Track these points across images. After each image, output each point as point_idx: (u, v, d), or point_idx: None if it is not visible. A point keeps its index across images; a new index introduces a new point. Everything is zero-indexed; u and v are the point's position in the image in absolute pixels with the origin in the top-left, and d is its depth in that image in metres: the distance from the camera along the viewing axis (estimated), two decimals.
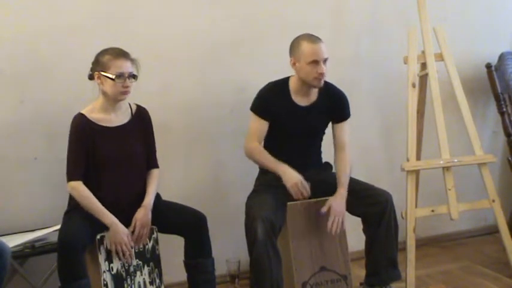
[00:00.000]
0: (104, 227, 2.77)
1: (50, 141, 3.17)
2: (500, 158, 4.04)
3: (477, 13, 3.98)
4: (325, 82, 3.13)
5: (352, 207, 3.08)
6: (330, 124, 3.24)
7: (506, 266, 3.38)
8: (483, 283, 3.36)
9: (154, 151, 3.02)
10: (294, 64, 3.06)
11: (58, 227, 2.84)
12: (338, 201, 3.01)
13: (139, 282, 2.86)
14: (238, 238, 3.22)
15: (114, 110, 2.89)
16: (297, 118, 3.11)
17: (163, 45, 3.38)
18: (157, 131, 3.03)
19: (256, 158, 3.11)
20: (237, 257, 3.42)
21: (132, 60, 2.84)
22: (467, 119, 3.39)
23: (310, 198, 3.04)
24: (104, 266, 2.76)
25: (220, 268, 3.30)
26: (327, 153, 3.28)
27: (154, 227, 2.91)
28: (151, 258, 2.90)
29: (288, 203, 3.04)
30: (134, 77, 2.83)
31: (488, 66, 3.86)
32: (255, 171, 3.23)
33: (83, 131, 2.82)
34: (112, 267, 2.78)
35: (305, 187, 2.97)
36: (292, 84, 3.13)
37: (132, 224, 2.82)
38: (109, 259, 2.78)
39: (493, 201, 3.35)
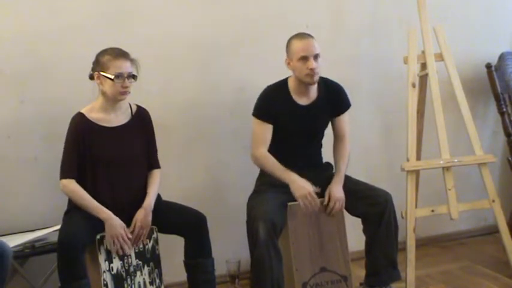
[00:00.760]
0: (104, 227, 2.77)
1: (50, 141, 3.17)
2: (500, 158, 4.04)
3: (477, 13, 3.98)
4: (322, 78, 3.15)
5: (352, 207, 3.09)
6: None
7: (506, 266, 3.38)
8: (483, 283, 3.36)
9: (155, 151, 3.02)
10: (288, 63, 3.08)
11: (58, 227, 2.84)
12: (336, 188, 3.05)
13: (139, 282, 2.86)
14: (238, 238, 3.22)
15: (113, 110, 2.89)
16: (298, 117, 3.12)
17: (163, 45, 3.38)
18: (157, 131, 3.03)
19: (263, 166, 3.11)
20: (237, 257, 3.42)
21: (132, 61, 2.84)
22: (467, 119, 3.39)
23: None
24: (104, 266, 2.76)
25: (220, 268, 3.30)
26: (327, 154, 3.28)
27: (154, 227, 2.91)
28: (151, 258, 2.90)
29: (289, 203, 3.04)
30: (134, 77, 2.83)
31: (488, 66, 3.86)
32: (255, 171, 3.22)
33: (80, 131, 2.82)
34: (112, 267, 2.78)
35: (314, 199, 2.98)
36: (291, 84, 3.14)
37: (132, 225, 2.82)
38: (109, 259, 2.78)
39: (493, 201, 3.35)
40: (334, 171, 3.21)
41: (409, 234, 3.28)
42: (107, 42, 2.91)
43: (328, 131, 3.27)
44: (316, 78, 3.04)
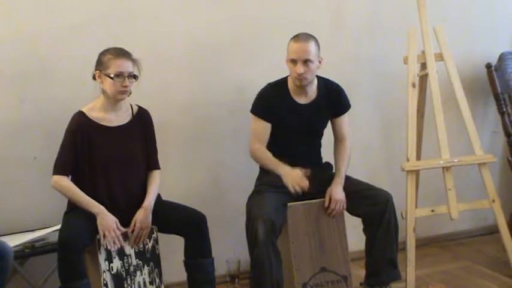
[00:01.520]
0: None
1: (50, 141, 3.15)
2: (500, 158, 4.04)
3: (477, 13, 3.98)
4: (322, 78, 3.18)
5: (352, 207, 3.09)
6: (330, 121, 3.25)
7: (506, 266, 3.38)
8: (483, 283, 3.36)
9: (156, 152, 3.02)
10: (286, 62, 3.08)
11: (58, 227, 2.84)
12: (336, 189, 3.05)
13: (139, 282, 2.86)
14: (238, 238, 3.22)
15: (114, 109, 2.89)
16: (297, 116, 3.12)
17: (163, 45, 3.38)
18: (157, 130, 3.03)
19: (258, 159, 3.13)
20: (237, 257, 3.42)
21: (134, 61, 2.84)
22: (467, 119, 3.39)
23: (310, 198, 3.04)
24: (103, 265, 2.76)
25: (220, 268, 3.30)
26: (327, 154, 3.28)
27: (154, 226, 2.91)
28: (151, 258, 2.90)
29: (289, 204, 3.04)
30: (135, 77, 2.83)
31: (488, 66, 3.86)
32: (255, 171, 3.23)
33: (80, 129, 2.82)
34: (112, 267, 2.78)
35: (303, 180, 2.94)
36: (291, 83, 3.14)
37: (132, 225, 2.82)
38: (109, 259, 2.78)
39: (493, 201, 3.35)
40: (333, 172, 3.22)
41: (409, 234, 3.28)
42: (107, 42, 2.91)
43: (328, 132, 3.27)
44: (304, 82, 3.05)
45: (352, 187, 3.10)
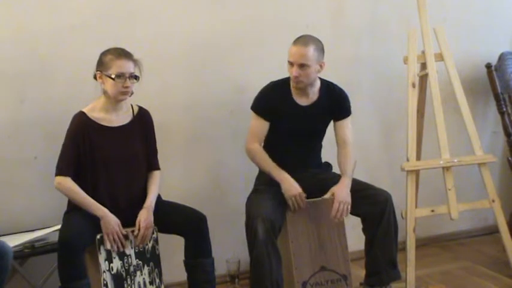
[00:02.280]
0: None
1: (50, 141, 3.16)
2: (500, 158, 4.04)
3: (477, 13, 3.98)
4: (326, 81, 3.17)
5: (352, 207, 3.08)
6: (331, 123, 3.23)
7: (506, 266, 3.38)
8: (483, 283, 3.36)
9: (156, 153, 3.02)
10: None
11: (58, 227, 2.85)
12: (341, 189, 3.02)
13: (139, 282, 2.86)
14: (238, 238, 3.22)
15: (115, 110, 2.89)
16: (298, 117, 3.12)
17: (163, 45, 3.38)
18: (157, 131, 3.03)
19: (256, 161, 3.12)
20: (237, 257, 3.42)
21: (135, 61, 2.84)
22: (467, 119, 3.39)
23: (308, 198, 3.04)
24: (103, 266, 2.76)
25: (220, 268, 3.30)
26: (327, 153, 3.28)
27: (154, 227, 2.91)
28: (151, 258, 2.90)
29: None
30: (136, 77, 2.83)
31: (488, 66, 3.86)
32: (255, 171, 3.22)
33: (81, 129, 2.82)
34: (112, 267, 2.78)
35: (303, 200, 2.99)
36: (292, 84, 3.14)
37: (137, 226, 2.82)
38: (109, 259, 2.78)
39: (493, 201, 3.35)
40: (333, 171, 3.22)
41: (409, 234, 3.28)
42: (107, 42, 2.91)
43: (328, 134, 3.26)
44: (300, 85, 3.06)
45: (352, 187, 3.10)
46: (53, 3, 3.20)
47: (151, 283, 2.89)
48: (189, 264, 2.95)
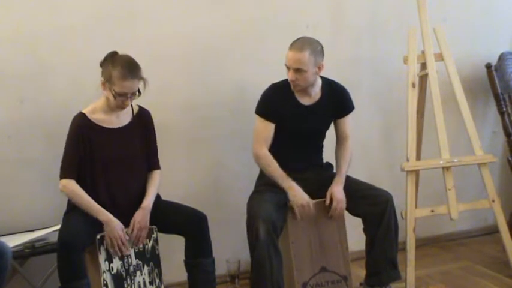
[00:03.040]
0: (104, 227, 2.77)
1: (50, 141, 3.17)
2: (500, 158, 4.04)
3: (477, 13, 3.98)
4: (327, 79, 3.18)
5: (353, 207, 3.09)
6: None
7: (506, 266, 3.38)
8: (483, 283, 3.36)
9: (156, 152, 3.02)
10: None
11: (58, 227, 2.84)
12: (337, 189, 3.07)
13: (139, 282, 2.86)
14: (238, 238, 3.22)
15: (115, 111, 2.88)
16: (301, 117, 3.12)
17: (163, 45, 3.38)
18: (157, 131, 3.03)
19: (264, 168, 3.12)
20: (237, 257, 3.42)
21: (140, 78, 2.81)
22: (467, 119, 3.39)
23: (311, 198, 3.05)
24: (103, 266, 2.76)
25: (220, 268, 3.30)
26: (327, 154, 3.28)
27: (154, 226, 2.91)
28: (151, 258, 2.90)
29: (289, 204, 3.04)
30: (138, 92, 2.82)
31: (488, 66, 3.86)
32: (255, 171, 3.22)
33: (82, 131, 2.81)
34: (112, 267, 2.78)
35: (311, 209, 3.01)
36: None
37: (131, 226, 2.82)
38: (109, 259, 2.78)
39: (493, 201, 3.35)
40: (334, 172, 3.22)
41: (409, 234, 3.28)
42: (107, 42, 2.92)
43: (329, 133, 3.26)
44: (297, 88, 3.07)
45: (352, 187, 3.11)
46: (53, 3, 3.19)
47: (151, 283, 2.89)
48: (189, 264, 2.95)
